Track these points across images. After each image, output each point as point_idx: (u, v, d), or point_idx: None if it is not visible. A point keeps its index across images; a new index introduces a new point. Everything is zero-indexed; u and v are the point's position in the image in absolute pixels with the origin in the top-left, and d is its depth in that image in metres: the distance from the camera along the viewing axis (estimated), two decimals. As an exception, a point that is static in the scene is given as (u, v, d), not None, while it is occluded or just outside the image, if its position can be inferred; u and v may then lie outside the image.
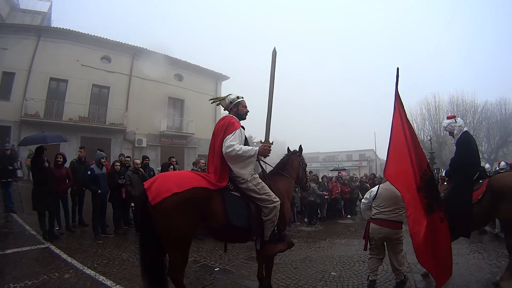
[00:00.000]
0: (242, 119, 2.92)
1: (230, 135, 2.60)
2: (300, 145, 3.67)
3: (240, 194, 2.69)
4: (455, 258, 4.05)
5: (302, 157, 3.64)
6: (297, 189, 6.42)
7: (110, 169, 6.31)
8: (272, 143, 2.81)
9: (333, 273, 4.07)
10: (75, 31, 14.99)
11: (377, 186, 3.74)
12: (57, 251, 4.48)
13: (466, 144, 3.66)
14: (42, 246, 4.72)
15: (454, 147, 3.87)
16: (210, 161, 2.77)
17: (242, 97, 2.98)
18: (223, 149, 2.58)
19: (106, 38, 15.86)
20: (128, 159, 7.16)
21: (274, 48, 2.90)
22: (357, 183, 11.00)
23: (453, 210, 3.39)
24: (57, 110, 14.25)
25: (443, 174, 3.96)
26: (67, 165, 6.04)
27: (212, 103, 3.12)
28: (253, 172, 2.72)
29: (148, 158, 7.65)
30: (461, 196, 3.44)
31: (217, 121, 2.94)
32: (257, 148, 2.68)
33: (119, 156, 7.71)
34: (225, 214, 2.50)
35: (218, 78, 21.53)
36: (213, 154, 2.74)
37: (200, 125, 19.32)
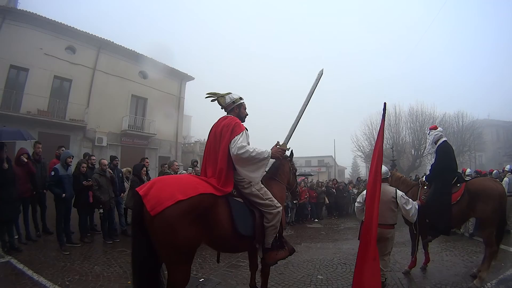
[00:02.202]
0: (242, 121, 2.77)
1: (239, 136, 2.43)
2: (291, 150, 3.62)
3: (243, 200, 2.56)
4: (430, 256, 4.38)
5: (293, 162, 3.54)
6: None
7: (75, 170, 5.70)
8: (288, 149, 2.74)
9: (319, 277, 4.16)
10: (41, 16, 13.57)
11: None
12: (20, 266, 3.95)
13: (445, 152, 4.10)
14: (2, 260, 4.16)
15: (435, 154, 4.27)
16: (210, 164, 2.57)
17: (243, 99, 2.85)
18: (232, 150, 2.39)
19: (73, 27, 14.66)
20: (94, 158, 6.59)
21: (322, 70, 3.01)
22: (323, 188, 11.35)
23: (434, 211, 3.83)
24: (15, 102, 12.90)
25: (423, 178, 4.32)
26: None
27: (206, 97, 2.86)
28: None
29: (117, 158, 7.15)
30: (441, 198, 3.83)
31: (217, 120, 2.72)
32: (270, 150, 2.58)
33: (86, 156, 7.04)
34: (231, 222, 2.33)
35: (183, 78, 20.93)
36: (215, 156, 2.54)
37: (162, 126, 18.68)
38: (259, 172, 2.47)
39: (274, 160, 2.92)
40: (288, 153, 3.52)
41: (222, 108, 2.84)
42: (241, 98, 2.82)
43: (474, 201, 3.71)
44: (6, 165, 4.45)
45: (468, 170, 8.38)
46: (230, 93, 2.83)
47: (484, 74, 58.07)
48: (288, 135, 2.89)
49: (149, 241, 2.11)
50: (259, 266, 3.05)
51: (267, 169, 2.92)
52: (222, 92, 2.85)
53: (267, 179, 3.13)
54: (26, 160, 5.05)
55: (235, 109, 2.78)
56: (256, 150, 2.43)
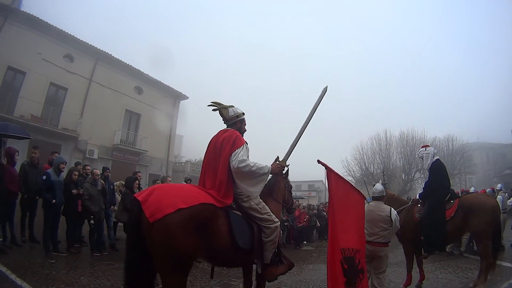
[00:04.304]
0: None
1: (240, 149, 2.44)
2: (288, 167, 3.64)
3: (241, 214, 2.53)
4: (425, 275, 4.34)
5: (288, 179, 3.52)
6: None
7: (66, 177, 5.57)
8: (288, 166, 2.78)
9: (313, 297, 4.04)
10: (43, 20, 13.65)
11: None
12: (4, 269, 3.82)
13: (438, 170, 4.23)
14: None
15: (427, 173, 4.40)
16: (209, 176, 2.55)
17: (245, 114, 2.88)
18: (233, 163, 2.39)
19: (73, 35, 14.74)
20: (88, 168, 6.48)
21: (326, 87, 3.08)
22: (314, 211, 11.43)
23: (429, 228, 3.90)
24: (9, 104, 12.69)
25: (417, 196, 4.42)
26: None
27: (209, 105, 2.82)
28: None
29: (109, 169, 7.08)
30: (436, 215, 3.92)
31: (217, 133, 2.73)
32: (270, 166, 2.60)
33: (78, 165, 6.92)
34: (230, 234, 2.28)
35: (177, 96, 21.10)
36: (215, 168, 2.53)
37: (154, 143, 18.64)
38: (258, 187, 2.48)
39: (270, 176, 2.91)
40: (285, 170, 3.56)
41: (223, 120, 2.84)
42: (243, 113, 2.84)
43: (468, 215, 3.81)
44: (4, 160, 4.43)
45: (472, 189, 8.58)
46: (233, 106, 2.84)
47: (481, 101, 59.79)
48: (288, 152, 2.90)
49: (145, 249, 2.02)
50: (253, 284, 2.98)
51: None
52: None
53: (263, 195, 3.09)
54: (17, 158, 4.97)
55: (237, 123, 2.79)
56: (257, 164, 2.45)
